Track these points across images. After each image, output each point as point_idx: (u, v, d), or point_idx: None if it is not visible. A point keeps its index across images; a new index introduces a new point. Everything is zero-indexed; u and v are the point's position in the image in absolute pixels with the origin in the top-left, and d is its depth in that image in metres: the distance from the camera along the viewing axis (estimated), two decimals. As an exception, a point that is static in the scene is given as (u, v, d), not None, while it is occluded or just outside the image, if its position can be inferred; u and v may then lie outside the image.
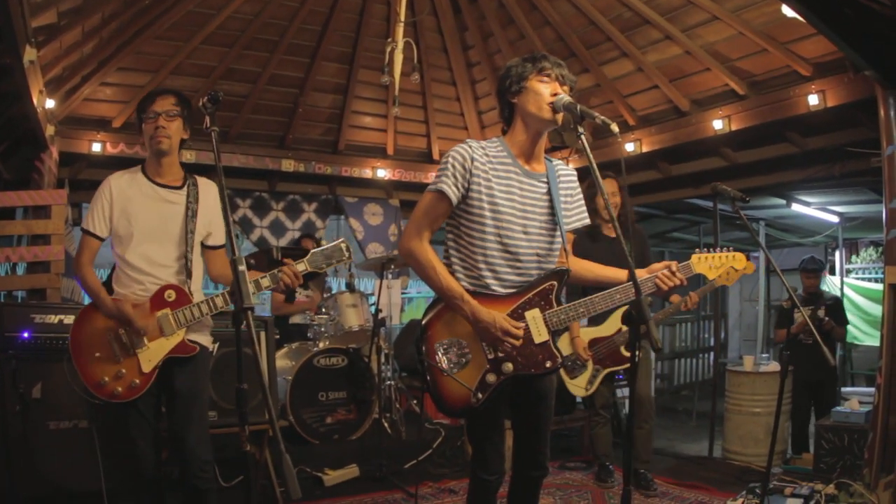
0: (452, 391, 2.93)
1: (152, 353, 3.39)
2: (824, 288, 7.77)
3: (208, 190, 3.68)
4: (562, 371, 5.19)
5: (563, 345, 5.27)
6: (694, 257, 3.25)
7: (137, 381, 3.35)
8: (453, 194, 2.93)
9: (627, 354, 4.94)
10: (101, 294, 3.42)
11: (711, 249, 3.29)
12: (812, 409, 6.74)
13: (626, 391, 6.86)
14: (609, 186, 5.40)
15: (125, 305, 3.36)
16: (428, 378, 2.96)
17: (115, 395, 3.32)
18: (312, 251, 3.56)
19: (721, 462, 6.30)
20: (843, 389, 7.59)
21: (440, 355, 2.93)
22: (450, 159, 2.96)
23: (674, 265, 3.10)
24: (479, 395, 2.91)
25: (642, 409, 5.41)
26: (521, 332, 2.89)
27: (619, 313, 4.88)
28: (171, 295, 3.47)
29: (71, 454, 4.37)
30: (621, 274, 3.16)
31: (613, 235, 5.04)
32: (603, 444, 5.66)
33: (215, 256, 3.73)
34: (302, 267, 3.48)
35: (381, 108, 8.88)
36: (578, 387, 5.40)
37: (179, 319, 3.44)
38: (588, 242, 5.13)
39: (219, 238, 3.71)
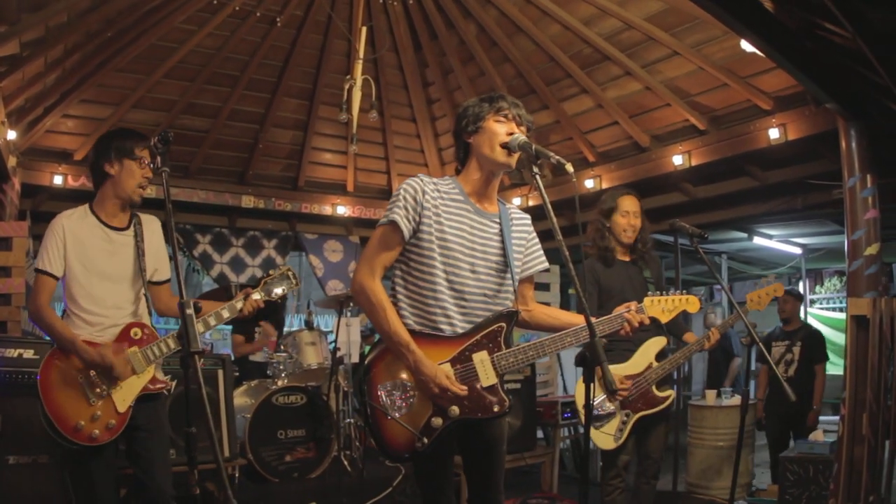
0: (396, 435, 2.81)
1: (126, 393, 3.37)
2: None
3: (151, 225, 3.69)
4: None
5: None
6: (647, 300, 3.24)
7: (114, 421, 3.32)
8: (405, 226, 2.86)
9: (661, 395, 4.43)
10: (78, 342, 3.32)
11: (665, 292, 3.30)
12: (791, 439, 6.61)
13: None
14: (630, 205, 4.66)
15: (106, 351, 3.32)
16: (370, 421, 2.85)
17: (94, 437, 3.27)
18: (263, 281, 3.69)
19: (686, 496, 6.25)
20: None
21: (384, 397, 2.82)
22: (401, 192, 2.89)
23: (633, 305, 3.13)
24: (424, 440, 2.78)
25: (654, 463, 4.61)
26: (462, 393, 2.77)
27: (646, 348, 4.44)
28: (136, 333, 3.47)
29: (30, 489, 4.30)
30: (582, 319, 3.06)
31: (628, 259, 4.68)
32: None
33: (160, 291, 3.73)
34: (257, 295, 3.61)
35: (341, 145, 8.87)
36: (607, 436, 4.39)
37: (148, 356, 3.44)
38: (601, 267, 4.61)
39: (164, 273, 3.71)
